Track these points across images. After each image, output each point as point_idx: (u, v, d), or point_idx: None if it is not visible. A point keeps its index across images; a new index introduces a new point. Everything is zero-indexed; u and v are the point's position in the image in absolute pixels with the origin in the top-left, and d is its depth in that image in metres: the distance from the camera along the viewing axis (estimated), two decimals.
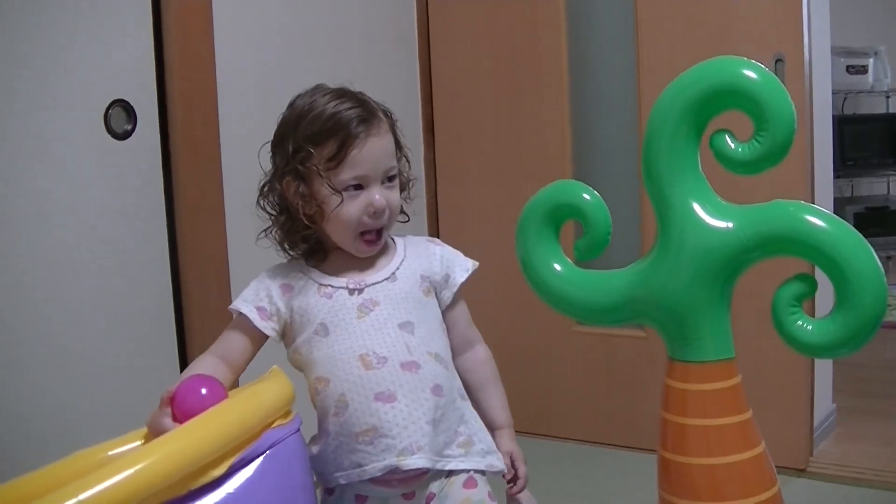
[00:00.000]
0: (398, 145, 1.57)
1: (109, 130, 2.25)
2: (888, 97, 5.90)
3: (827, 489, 2.66)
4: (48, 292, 2.13)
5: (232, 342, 1.54)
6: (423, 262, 1.58)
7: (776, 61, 2.66)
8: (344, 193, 1.49)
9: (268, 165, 1.58)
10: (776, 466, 2.72)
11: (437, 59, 3.29)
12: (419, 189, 3.29)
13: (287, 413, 1.43)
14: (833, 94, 3.37)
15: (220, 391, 1.39)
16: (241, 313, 1.54)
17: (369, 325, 1.50)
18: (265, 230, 1.57)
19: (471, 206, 3.26)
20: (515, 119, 3.15)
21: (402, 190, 1.58)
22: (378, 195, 1.49)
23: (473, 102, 3.22)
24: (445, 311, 1.60)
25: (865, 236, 1.35)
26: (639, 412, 2.97)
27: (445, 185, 3.32)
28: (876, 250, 1.32)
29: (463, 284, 1.60)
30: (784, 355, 2.73)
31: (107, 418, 2.16)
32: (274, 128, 1.59)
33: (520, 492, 1.59)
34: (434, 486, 1.51)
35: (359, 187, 1.49)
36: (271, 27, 2.69)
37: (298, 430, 1.44)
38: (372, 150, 1.49)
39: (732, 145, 1.40)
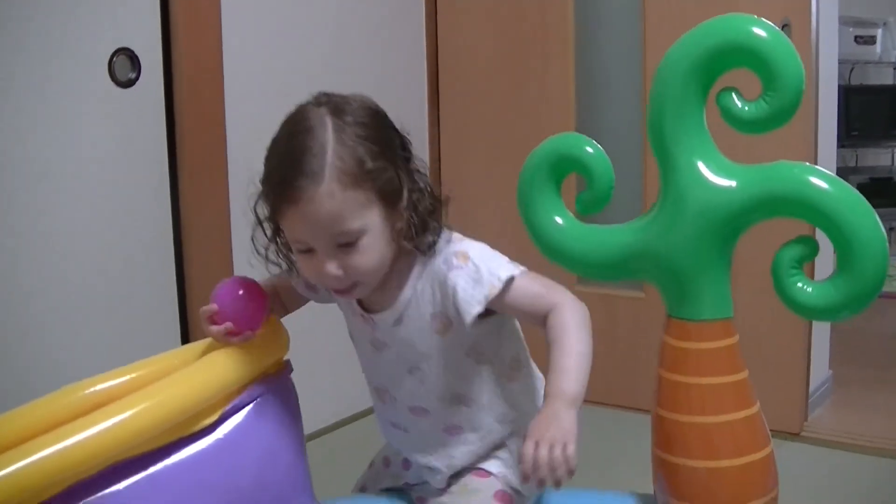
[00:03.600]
0: (387, 190, 1.31)
1: (113, 78, 2.25)
2: None
3: (820, 454, 2.69)
4: (48, 239, 2.14)
5: (288, 289, 1.51)
6: (437, 300, 1.37)
7: (783, 27, 2.65)
8: (298, 253, 1.33)
9: None
10: (770, 430, 2.74)
11: (444, 24, 3.28)
12: (422, 154, 3.30)
13: (279, 361, 1.45)
14: (840, 63, 3.35)
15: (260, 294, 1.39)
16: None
17: (382, 361, 1.44)
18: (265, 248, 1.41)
19: (474, 172, 3.27)
20: (520, 86, 3.15)
21: (417, 223, 1.34)
22: (328, 265, 1.28)
23: (479, 70, 3.22)
24: (499, 327, 1.43)
25: None
26: (638, 373, 2.98)
27: (449, 150, 3.33)
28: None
29: (479, 314, 1.35)
30: (782, 320, 2.74)
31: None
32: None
33: (525, 479, 1.23)
34: None
35: (310, 249, 1.30)
36: None
37: (289, 378, 1.46)
38: (306, 219, 1.26)
39: (739, 104, 1.39)
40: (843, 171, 5.13)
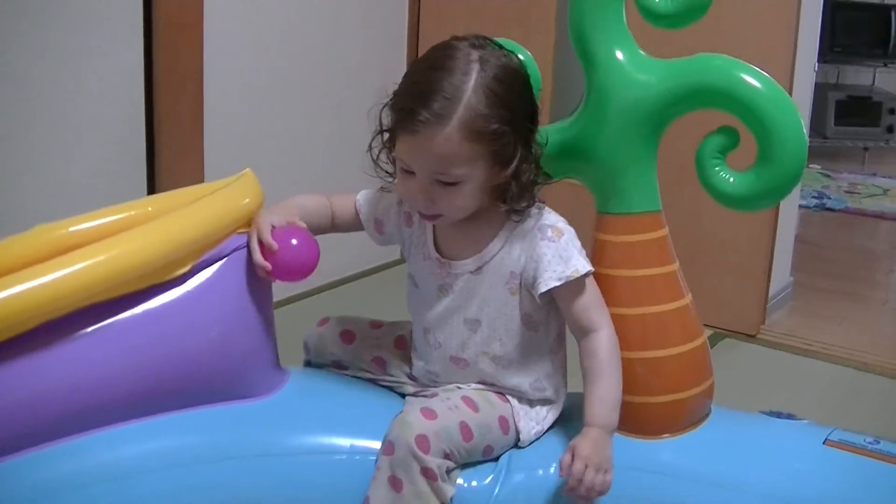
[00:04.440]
0: (501, 153, 1.36)
1: None
2: None
3: (775, 356, 2.76)
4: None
5: (347, 211, 1.56)
6: (520, 262, 1.43)
7: None
8: (399, 170, 1.40)
9: None
10: (727, 330, 2.80)
11: None
12: None
13: (252, 219, 1.45)
14: None
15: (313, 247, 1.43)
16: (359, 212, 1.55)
17: (441, 308, 1.48)
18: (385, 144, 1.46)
19: None
20: None
21: (509, 193, 1.39)
22: (421, 194, 1.37)
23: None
24: (551, 302, 1.46)
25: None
26: None
27: None
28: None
29: (552, 291, 1.41)
30: (748, 223, 2.79)
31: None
32: None
33: (570, 490, 1.34)
34: None
35: (411, 172, 1.37)
36: None
37: None
38: (417, 151, 1.34)
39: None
40: (822, 87, 5.12)
